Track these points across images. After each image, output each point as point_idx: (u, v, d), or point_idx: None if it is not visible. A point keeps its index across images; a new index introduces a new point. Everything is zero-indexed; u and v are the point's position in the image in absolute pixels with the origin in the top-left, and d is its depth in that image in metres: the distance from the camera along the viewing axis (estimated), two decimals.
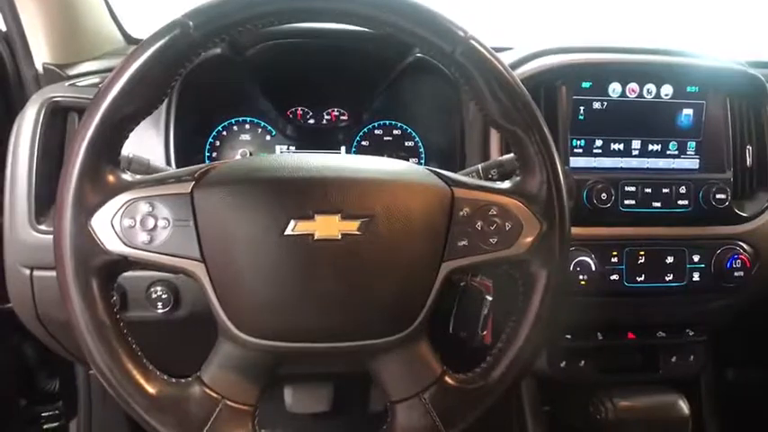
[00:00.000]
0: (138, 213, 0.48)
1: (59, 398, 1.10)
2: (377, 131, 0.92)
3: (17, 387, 1.06)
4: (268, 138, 0.90)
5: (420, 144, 0.92)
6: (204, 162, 0.89)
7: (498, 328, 0.62)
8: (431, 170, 0.53)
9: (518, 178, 0.53)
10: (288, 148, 0.90)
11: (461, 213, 0.51)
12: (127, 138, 0.50)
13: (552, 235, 0.52)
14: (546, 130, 0.52)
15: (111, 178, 0.48)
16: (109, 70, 0.87)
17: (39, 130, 0.73)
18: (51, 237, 0.73)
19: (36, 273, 0.73)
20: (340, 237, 0.48)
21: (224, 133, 0.89)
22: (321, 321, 0.49)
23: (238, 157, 0.88)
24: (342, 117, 0.92)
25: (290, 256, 0.48)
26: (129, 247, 0.48)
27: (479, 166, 0.64)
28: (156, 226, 0.48)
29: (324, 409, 1.05)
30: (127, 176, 0.49)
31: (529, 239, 0.51)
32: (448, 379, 0.52)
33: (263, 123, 0.90)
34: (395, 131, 0.92)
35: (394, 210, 0.49)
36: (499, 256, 0.51)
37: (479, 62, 0.50)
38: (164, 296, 0.73)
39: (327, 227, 0.48)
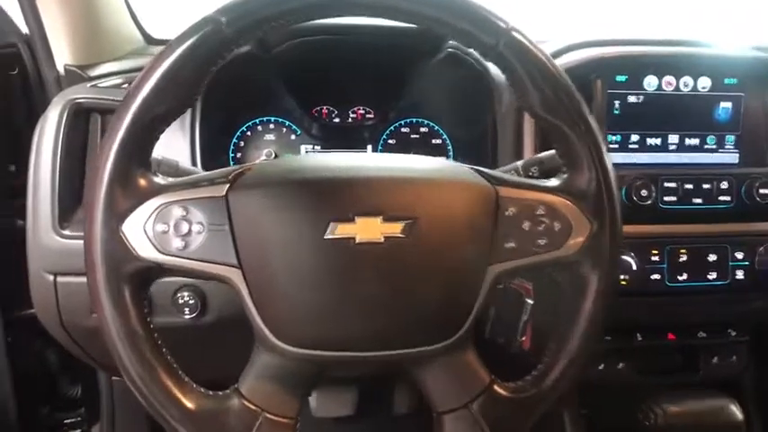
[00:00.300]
0: (172, 218, 0.46)
1: (82, 404, 1.09)
2: (403, 129, 0.89)
3: (39, 393, 1.05)
4: (293, 137, 0.88)
5: (448, 141, 0.89)
6: (229, 163, 0.87)
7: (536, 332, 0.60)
8: (473, 168, 0.51)
9: (565, 175, 0.51)
10: (313, 148, 0.88)
11: (507, 213, 0.48)
12: (157, 139, 0.48)
13: (603, 235, 0.49)
14: (593, 123, 0.50)
15: (142, 182, 0.46)
16: (131, 71, 0.85)
17: (61, 132, 0.72)
18: (75, 242, 0.72)
19: (60, 279, 0.72)
20: (383, 240, 0.46)
21: (248, 133, 0.87)
22: (363, 329, 0.47)
23: (263, 157, 0.86)
24: (368, 115, 0.90)
25: (330, 260, 0.46)
26: (163, 253, 0.46)
27: (518, 163, 0.62)
28: (190, 231, 0.46)
29: (348, 413, 1.04)
30: (159, 180, 0.47)
31: (579, 240, 0.49)
32: (497, 388, 0.49)
33: (287, 123, 0.88)
34: (422, 129, 0.89)
35: (438, 211, 0.47)
36: (548, 258, 0.49)
37: (522, 54, 0.47)
38: (191, 302, 0.71)
39: (369, 229, 0.46)
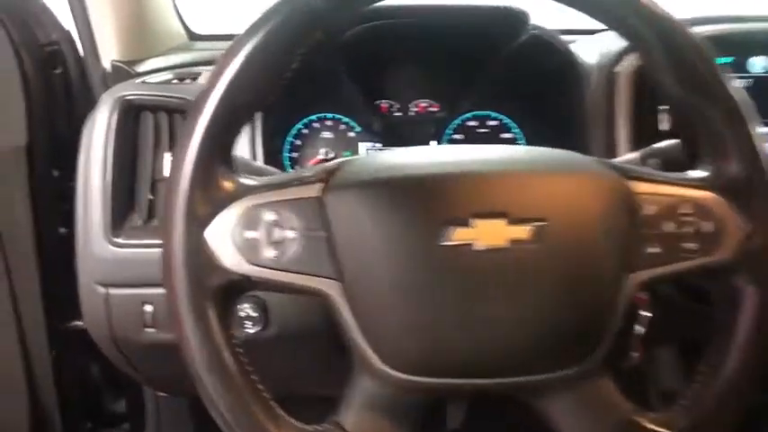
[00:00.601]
0: (262, 223, 0.40)
1: (126, 419, 1.04)
2: (470, 123, 0.82)
3: (83, 408, 1.00)
4: (351, 134, 0.82)
5: (520, 136, 0.82)
6: (284, 164, 0.81)
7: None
8: (599, 160, 0.44)
9: (711, 166, 0.43)
10: (373, 146, 0.82)
11: (646, 212, 0.41)
12: (239, 134, 0.42)
13: (761, 237, 0.42)
14: (743, 103, 0.42)
15: (226, 182, 0.40)
16: (178, 66, 0.80)
17: (112, 132, 0.66)
18: (128, 251, 0.67)
19: (112, 291, 0.66)
20: (508, 245, 0.39)
21: (305, 131, 0.81)
22: (486, 352, 0.40)
23: (321, 157, 0.80)
24: (431, 108, 0.83)
25: (446, 271, 0.39)
26: (253, 264, 0.39)
27: (634, 155, 0.54)
28: (283, 238, 0.40)
29: None
30: (244, 180, 0.41)
31: (732, 244, 0.41)
32: (641, 420, 0.42)
33: (345, 119, 0.81)
34: (490, 122, 0.82)
35: (569, 210, 0.40)
36: (697, 265, 0.41)
37: (656, 23, 0.41)
38: (253, 314, 0.65)
39: (491, 234, 0.39)
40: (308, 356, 0.71)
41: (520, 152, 0.45)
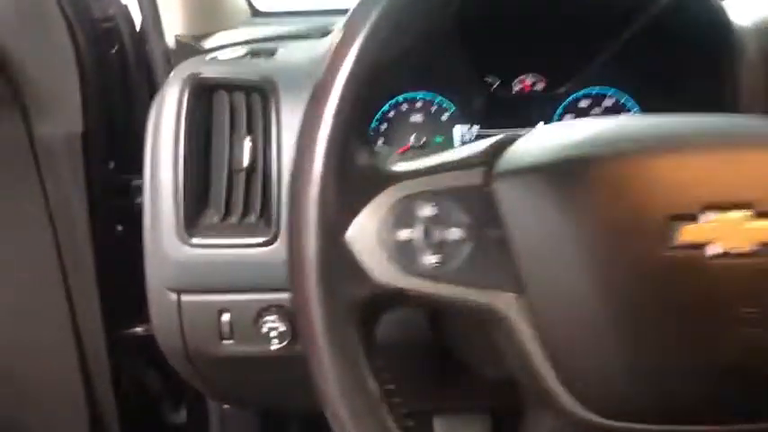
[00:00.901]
0: (419, 220, 0.30)
1: (187, 431, 0.97)
2: (582, 103, 0.71)
3: (143, 419, 0.93)
4: (444, 117, 0.71)
5: None
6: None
7: None
8: None
9: None
10: (469, 130, 0.71)
11: None
12: (379, 107, 0.33)
13: None
14: None
15: (367, 168, 0.31)
16: (248, 42, 0.71)
17: (183, 115, 0.57)
18: (204, 252, 0.58)
19: (185, 297, 0.58)
20: (758, 248, 0.28)
21: (390, 114, 0.71)
22: (728, 391, 0.30)
23: (411, 142, 0.70)
24: (537, 86, 0.72)
25: (668, 283, 0.29)
26: (410, 274, 0.30)
27: None
28: (446, 239, 0.30)
29: None
30: (390, 165, 0.32)
31: None
32: None
33: (437, 99, 0.71)
34: (606, 102, 0.71)
35: None
36: None
37: None
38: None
39: (733, 232, 0.29)
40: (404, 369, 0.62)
41: (748, 122, 0.34)
